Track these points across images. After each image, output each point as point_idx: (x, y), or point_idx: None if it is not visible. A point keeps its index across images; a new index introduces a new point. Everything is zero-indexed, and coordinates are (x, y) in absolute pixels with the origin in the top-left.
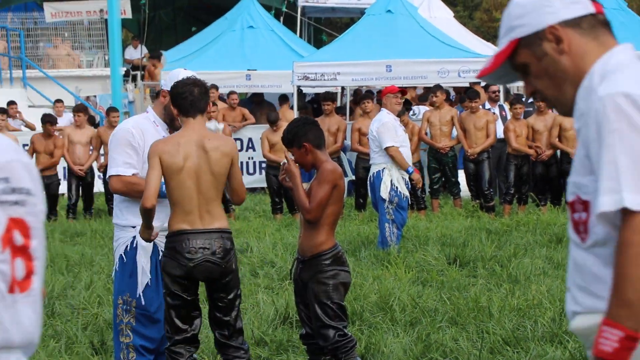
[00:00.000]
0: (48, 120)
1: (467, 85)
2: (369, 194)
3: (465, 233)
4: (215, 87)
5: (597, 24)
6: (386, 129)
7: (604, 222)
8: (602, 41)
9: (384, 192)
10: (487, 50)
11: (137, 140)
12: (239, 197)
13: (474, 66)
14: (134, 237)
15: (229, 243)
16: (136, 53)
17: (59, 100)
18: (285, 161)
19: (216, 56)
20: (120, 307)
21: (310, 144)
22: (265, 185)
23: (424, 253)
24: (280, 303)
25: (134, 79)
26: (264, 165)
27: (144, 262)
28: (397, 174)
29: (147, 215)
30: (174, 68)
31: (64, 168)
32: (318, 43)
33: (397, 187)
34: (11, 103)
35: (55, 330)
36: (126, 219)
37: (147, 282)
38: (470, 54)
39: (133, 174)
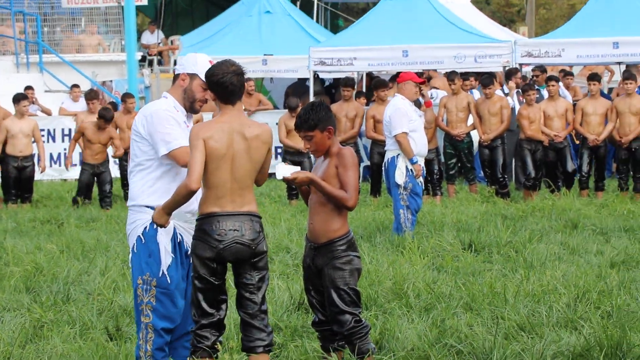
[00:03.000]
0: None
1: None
2: (384, 180)
3: (480, 218)
4: None
5: None
6: (400, 115)
7: None
8: None
9: (399, 178)
10: (503, 35)
11: (175, 118)
12: (263, 179)
13: (490, 51)
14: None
15: (258, 226)
16: (153, 38)
17: (75, 85)
18: (287, 176)
19: (233, 41)
20: (140, 287)
21: (334, 128)
22: None
23: (439, 239)
24: (295, 289)
25: (150, 64)
26: (280, 150)
27: (165, 242)
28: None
29: (187, 198)
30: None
31: (79, 154)
32: (335, 28)
33: (411, 173)
34: (28, 88)
35: (70, 316)
36: (149, 200)
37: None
38: (486, 39)
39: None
